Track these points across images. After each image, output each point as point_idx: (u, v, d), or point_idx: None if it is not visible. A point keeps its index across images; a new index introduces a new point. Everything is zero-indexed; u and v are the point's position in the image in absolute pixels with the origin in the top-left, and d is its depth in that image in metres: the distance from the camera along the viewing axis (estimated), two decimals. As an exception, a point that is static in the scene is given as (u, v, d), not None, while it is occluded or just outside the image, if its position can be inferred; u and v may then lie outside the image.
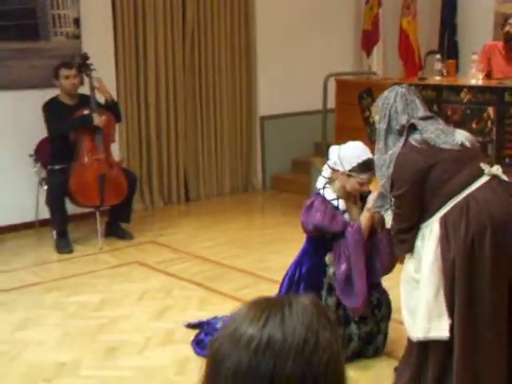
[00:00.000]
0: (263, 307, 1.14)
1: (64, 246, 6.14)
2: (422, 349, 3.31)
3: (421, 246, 3.27)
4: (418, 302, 3.24)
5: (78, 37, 6.90)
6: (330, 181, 3.98)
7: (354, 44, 8.98)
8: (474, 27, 8.31)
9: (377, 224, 3.83)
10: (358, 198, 4.08)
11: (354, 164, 3.82)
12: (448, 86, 6.00)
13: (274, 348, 1.08)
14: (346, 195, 3.99)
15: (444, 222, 3.14)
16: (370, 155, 3.81)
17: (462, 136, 3.31)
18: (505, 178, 3.27)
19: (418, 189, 3.23)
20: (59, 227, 6.20)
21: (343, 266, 3.85)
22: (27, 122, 6.50)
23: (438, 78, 6.48)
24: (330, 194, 3.95)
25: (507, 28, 6.56)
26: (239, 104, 8.16)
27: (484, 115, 5.67)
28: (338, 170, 3.89)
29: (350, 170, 3.84)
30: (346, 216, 3.96)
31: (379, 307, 4.05)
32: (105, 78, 6.65)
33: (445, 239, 3.12)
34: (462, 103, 5.81)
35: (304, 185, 7.57)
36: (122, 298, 5.08)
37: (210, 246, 6.27)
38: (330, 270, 3.96)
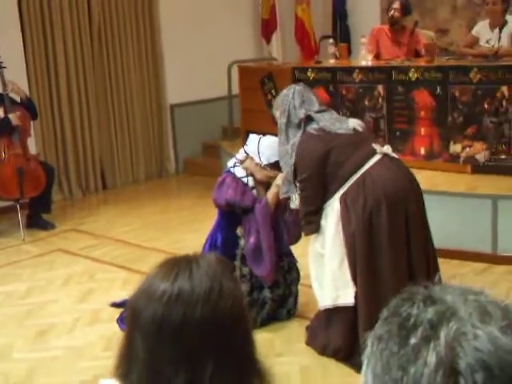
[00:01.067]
0: (173, 265, 1.25)
1: (-14, 239, 6.08)
2: (331, 316, 3.52)
3: (325, 224, 3.47)
4: (325, 273, 3.43)
5: (-14, 36, 6.79)
6: (241, 162, 4.12)
7: (254, 32, 9.11)
8: (363, 12, 8.55)
9: (282, 199, 3.99)
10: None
11: (272, 161, 3.95)
12: (341, 68, 6.20)
13: (183, 298, 1.19)
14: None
15: (344, 199, 3.36)
16: None
17: (353, 122, 3.58)
18: (394, 155, 3.55)
19: (320, 173, 3.43)
20: (-19, 221, 6.14)
21: (252, 239, 4.00)
22: None
23: (332, 60, 6.67)
24: (240, 171, 4.09)
25: (391, 13, 6.80)
26: (148, 94, 8.18)
27: (375, 93, 5.90)
28: (253, 159, 4.04)
29: (265, 165, 3.99)
30: (254, 192, 4.11)
31: (290, 272, 4.22)
32: (15, 75, 6.57)
33: (345, 213, 3.33)
34: (355, 83, 6.02)
35: (214, 167, 7.65)
36: (48, 284, 5.08)
37: (129, 230, 6.31)
38: (242, 242, 4.10)
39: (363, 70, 6.01)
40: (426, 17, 8.26)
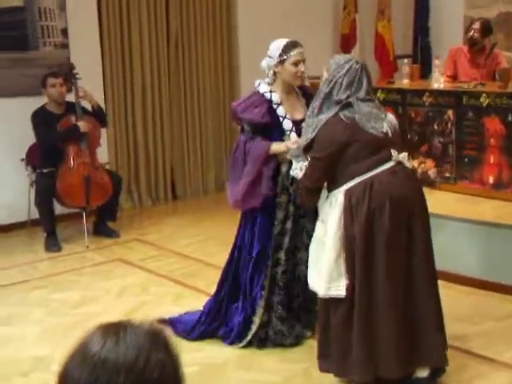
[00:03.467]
0: (105, 331, 1.25)
1: (52, 244, 6.24)
2: (327, 305, 3.55)
3: (327, 213, 3.50)
4: (323, 261, 3.47)
5: (66, 46, 6.99)
6: (272, 83, 4.07)
7: (333, 47, 9.03)
8: (446, 30, 8.36)
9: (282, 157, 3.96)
10: (300, 95, 4.18)
11: (281, 48, 4.00)
12: (411, 90, 6.06)
13: (108, 365, 1.20)
14: (288, 90, 4.07)
15: (349, 194, 3.38)
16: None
17: (388, 124, 3.49)
18: (408, 164, 3.56)
19: (333, 159, 3.43)
20: (48, 227, 6.31)
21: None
22: (19, 128, 6.55)
23: (405, 81, 6.53)
24: (264, 87, 4.06)
25: (471, 33, 6.62)
26: (222, 106, 8.23)
27: (444, 117, 5.74)
28: (272, 67, 4.03)
29: (280, 56, 3.98)
30: (281, 109, 4.00)
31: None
32: (93, 84, 6.76)
33: (348, 211, 3.36)
34: (425, 106, 5.87)
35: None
36: (102, 294, 5.17)
37: (190, 242, 6.35)
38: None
39: (433, 93, 5.85)
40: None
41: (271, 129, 4.02)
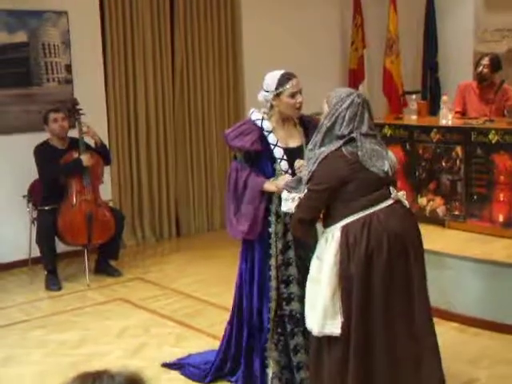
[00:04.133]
0: (82, 381, 1.23)
1: (53, 283, 6.22)
2: (320, 344, 3.48)
3: (324, 249, 3.44)
4: (318, 299, 3.41)
5: (69, 82, 7.04)
6: (269, 114, 4.02)
7: (341, 82, 9.06)
8: (455, 66, 8.37)
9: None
10: (297, 124, 4.13)
11: (276, 81, 3.98)
12: (419, 126, 6.05)
13: None
14: (284, 118, 4.02)
15: (346, 230, 3.34)
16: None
17: (388, 163, 3.45)
18: (406, 203, 3.53)
19: (331, 193, 3.39)
20: (49, 265, 6.29)
21: None
22: (22, 164, 6.60)
23: (413, 117, 6.53)
24: (255, 115, 4.03)
25: (480, 69, 6.63)
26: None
27: (453, 154, 5.71)
28: (269, 100, 3.98)
29: (276, 89, 3.96)
30: (272, 136, 3.96)
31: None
32: (96, 120, 6.80)
33: (345, 249, 3.32)
34: (433, 142, 5.85)
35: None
36: (102, 335, 5.12)
37: (193, 281, 6.31)
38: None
39: (441, 129, 5.83)
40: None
41: (262, 156, 4.01)
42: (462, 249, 5.31)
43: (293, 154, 3.95)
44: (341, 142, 3.37)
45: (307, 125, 4.10)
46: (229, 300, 5.66)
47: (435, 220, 5.85)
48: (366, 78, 8.77)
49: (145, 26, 7.46)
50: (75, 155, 6.30)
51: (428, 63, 8.60)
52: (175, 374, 4.42)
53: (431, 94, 8.45)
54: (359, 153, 3.37)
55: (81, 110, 6.38)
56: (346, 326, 3.32)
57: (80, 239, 6.27)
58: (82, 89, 7.00)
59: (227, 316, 5.38)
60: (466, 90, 6.82)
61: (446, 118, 6.05)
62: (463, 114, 6.69)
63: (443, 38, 8.55)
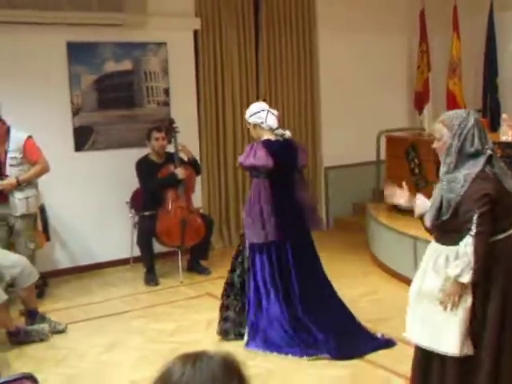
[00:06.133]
0: (184, 361, 1.30)
1: (151, 279, 6.41)
2: (440, 362, 3.29)
3: (444, 266, 3.21)
4: (451, 319, 3.20)
5: (167, 104, 7.25)
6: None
7: (407, 103, 9.04)
8: (513, 87, 8.22)
9: None
10: None
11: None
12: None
13: None
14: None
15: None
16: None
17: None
18: None
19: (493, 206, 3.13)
20: (147, 264, 6.49)
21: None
22: (126, 175, 6.80)
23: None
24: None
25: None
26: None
27: (512, 169, 5.61)
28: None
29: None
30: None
31: None
32: (190, 137, 7.00)
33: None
34: (493, 158, 5.76)
35: (362, 225, 7.64)
36: (193, 325, 5.27)
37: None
38: None
39: (501, 145, 5.75)
40: None
41: None
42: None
43: None
44: (481, 161, 3.12)
45: None
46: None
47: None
48: (430, 99, 8.70)
49: (232, 55, 7.62)
50: (171, 168, 6.49)
51: (488, 85, 8.45)
52: (260, 362, 4.49)
53: (491, 113, 8.30)
54: (496, 170, 3.14)
55: (177, 128, 6.57)
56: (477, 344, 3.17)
57: (175, 241, 6.45)
58: (177, 110, 7.21)
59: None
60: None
61: (506, 134, 5.97)
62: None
63: (503, 62, 8.39)
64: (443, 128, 3.23)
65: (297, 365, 4.48)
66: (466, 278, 3.08)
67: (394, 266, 6.34)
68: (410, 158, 6.86)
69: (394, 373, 4.26)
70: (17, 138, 5.54)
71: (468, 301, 3.16)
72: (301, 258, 4.83)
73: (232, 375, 1.29)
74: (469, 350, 3.18)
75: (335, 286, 6.01)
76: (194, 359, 1.31)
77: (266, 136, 4.82)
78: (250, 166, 4.76)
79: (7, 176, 5.46)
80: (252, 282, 4.79)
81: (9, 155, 5.49)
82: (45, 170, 5.73)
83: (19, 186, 5.47)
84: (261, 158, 4.70)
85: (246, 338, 4.77)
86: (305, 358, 4.50)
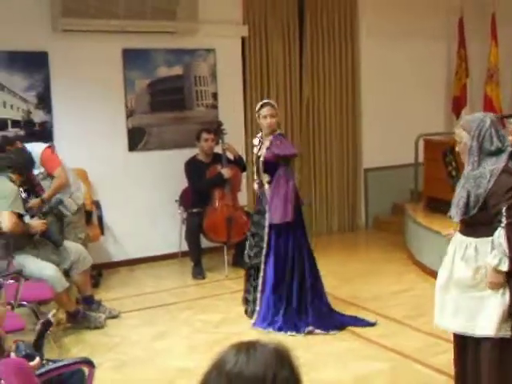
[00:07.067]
0: (237, 349, 1.31)
1: (198, 273, 6.47)
2: (474, 347, 3.34)
3: (474, 256, 3.28)
4: (489, 303, 3.26)
5: (215, 107, 7.30)
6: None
7: (445, 108, 8.92)
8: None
9: None
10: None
11: (257, 107, 5.21)
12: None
13: (240, 380, 1.27)
14: (265, 135, 5.20)
15: None
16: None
17: None
18: None
19: None
20: (195, 258, 6.55)
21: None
22: (175, 173, 6.86)
23: (510, 137, 6.33)
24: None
25: None
26: (346, 159, 8.29)
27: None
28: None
29: (256, 112, 5.17)
30: (255, 150, 5.23)
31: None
32: (236, 138, 7.02)
33: None
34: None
35: (400, 226, 7.58)
36: (238, 318, 5.29)
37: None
38: None
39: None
40: None
41: None
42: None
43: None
44: (504, 157, 3.22)
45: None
46: (345, 293, 5.81)
47: None
48: (468, 103, 8.59)
49: (278, 61, 7.63)
50: (218, 168, 6.54)
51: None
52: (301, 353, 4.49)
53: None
54: None
55: (224, 130, 6.61)
56: None
57: (221, 237, 6.49)
58: (225, 112, 7.25)
59: (343, 307, 5.49)
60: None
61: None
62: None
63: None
64: (462, 131, 3.36)
65: (336, 357, 4.48)
66: (505, 267, 3.15)
67: (430, 264, 6.28)
68: (447, 161, 6.78)
69: (430, 367, 4.24)
70: (35, 153, 5.39)
71: (505, 286, 3.22)
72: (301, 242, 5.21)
73: (283, 363, 1.30)
74: (505, 332, 3.23)
75: (374, 282, 6.00)
76: (247, 347, 1.32)
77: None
78: (293, 155, 5.17)
79: (43, 191, 5.37)
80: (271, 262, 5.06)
81: (35, 172, 5.36)
82: (63, 184, 5.54)
83: (45, 202, 5.34)
84: (293, 147, 5.35)
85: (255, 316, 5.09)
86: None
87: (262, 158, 5.15)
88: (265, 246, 5.09)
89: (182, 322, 5.29)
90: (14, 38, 6.23)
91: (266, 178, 5.14)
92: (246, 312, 5.30)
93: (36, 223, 4.97)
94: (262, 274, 5.10)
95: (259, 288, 5.12)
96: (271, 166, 5.10)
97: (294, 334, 4.88)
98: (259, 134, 5.30)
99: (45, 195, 5.36)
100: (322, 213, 8.18)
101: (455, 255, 3.37)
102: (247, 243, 5.32)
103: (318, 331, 4.91)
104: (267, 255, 5.08)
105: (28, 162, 5.20)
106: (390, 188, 8.45)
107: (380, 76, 8.28)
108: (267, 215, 5.08)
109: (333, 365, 4.36)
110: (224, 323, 5.20)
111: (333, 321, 5.06)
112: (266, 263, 5.09)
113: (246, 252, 5.32)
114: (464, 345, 3.42)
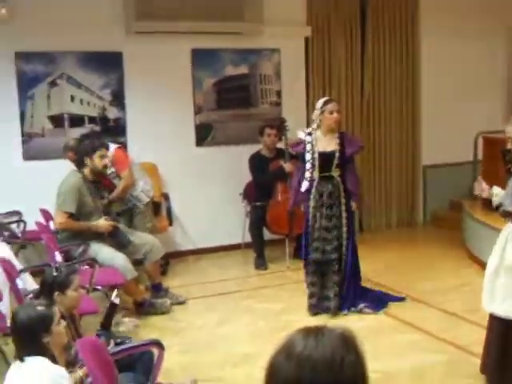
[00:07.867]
0: (306, 333, 1.30)
1: (260, 264, 6.50)
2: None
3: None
4: None
5: (279, 104, 7.31)
6: (317, 127, 5.14)
7: (505, 106, 8.66)
8: None
9: None
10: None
11: (321, 103, 5.13)
12: None
13: (310, 362, 1.25)
14: (327, 131, 5.12)
15: None
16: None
17: None
18: None
19: None
20: (257, 249, 6.58)
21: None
22: (240, 168, 6.90)
23: (509, 144, 6.09)
24: (301, 134, 5.23)
25: None
26: (405, 156, 8.17)
27: None
28: (316, 118, 5.12)
29: (321, 108, 5.08)
30: (309, 146, 5.12)
31: None
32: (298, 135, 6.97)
33: None
34: None
35: (458, 222, 7.41)
36: (298, 307, 5.29)
37: (371, 269, 6.27)
38: None
39: None
40: None
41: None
42: None
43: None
44: None
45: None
46: (402, 287, 5.73)
47: None
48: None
49: (340, 60, 7.58)
50: (281, 162, 6.55)
51: None
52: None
53: None
54: None
55: (287, 126, 6.60)
56: None
57: (283, 230, 6.50)
58: (288, 110, 7.25)
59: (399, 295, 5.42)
60: None
61: None
62: None
63: None
64: (510, 126, 3.53)
65: (395, 348, 4.43)
66: None
67: (487, 259, 6.12)
68: (506, 159, 6.57)
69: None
70: (110, 152, 5.46)
71: None
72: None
73: (350, 348, 1.29)
74: None
75: (432, 277, 5.89)
76: (315, 332, 1.31)
77: None
78: (362, 147, 5.69)
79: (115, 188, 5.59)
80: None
81: (109, 171, 5.48)
82: (128, 186, 5.67)
83: (115, 201, 5.54)
84: (360, 140, 5.96)
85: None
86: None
87: (337, 154, 5.08)
88: (344, 230, 5.17)
89: (244, 309, 5.33)
90: (91, 40, 6.40)
91: (337, 172, 5.12)
92: (309, 308, 5.19)
93: (103, 223, 5.04)
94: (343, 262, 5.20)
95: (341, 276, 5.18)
96: (344, 160, 5.12)
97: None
98: (307, 130, 5.22)
99: (111, 196, 5.51)
100: (380, 208, 8.09)
101: (507, 243, 3.40)
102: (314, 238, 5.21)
103: (367, 310, 5.12)
104: (348, 239, 5.20)
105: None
106: (449, 185, 8.27)
107: (440, 74, 8.11)
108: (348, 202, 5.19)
109: (391, 356, 4.31)
110: (285, 312, 5.21)
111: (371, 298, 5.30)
112: (347, 249, 5.20)
113: (316, 246, 5.19)
114: (505, 333, 3.41)
